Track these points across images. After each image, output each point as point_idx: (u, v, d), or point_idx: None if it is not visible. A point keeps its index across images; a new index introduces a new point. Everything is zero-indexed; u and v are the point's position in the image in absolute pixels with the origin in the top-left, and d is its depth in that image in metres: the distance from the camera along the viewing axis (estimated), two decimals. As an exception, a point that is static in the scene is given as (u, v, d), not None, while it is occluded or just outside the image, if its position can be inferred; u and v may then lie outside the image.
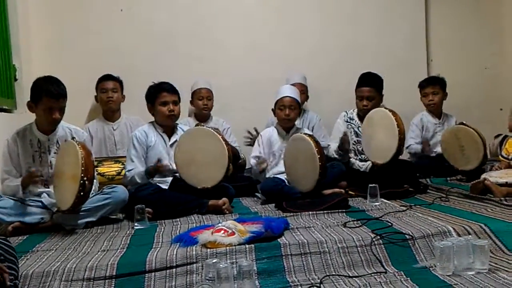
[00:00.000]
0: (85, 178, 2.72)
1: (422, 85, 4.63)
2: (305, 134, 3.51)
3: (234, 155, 3.81)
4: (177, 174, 3.45)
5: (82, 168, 2.72)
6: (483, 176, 3.40)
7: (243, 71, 4.94)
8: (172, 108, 3.53)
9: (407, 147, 4.42)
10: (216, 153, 3.33)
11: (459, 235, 2.40)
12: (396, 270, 2.19)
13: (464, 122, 3.99)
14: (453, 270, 2.10)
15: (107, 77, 4.37)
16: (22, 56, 4.16)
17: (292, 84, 4.29)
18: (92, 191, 3.11)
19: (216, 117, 4.59)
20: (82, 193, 2.74)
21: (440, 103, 4.61)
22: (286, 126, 3.88)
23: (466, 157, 3.90)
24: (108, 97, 4.33)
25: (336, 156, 3.99)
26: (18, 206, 2.97)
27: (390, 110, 3.61)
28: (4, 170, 3.13)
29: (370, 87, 4.00)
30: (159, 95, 3.54)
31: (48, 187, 3.09)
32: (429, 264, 2.23)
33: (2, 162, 3.14)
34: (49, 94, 2.99)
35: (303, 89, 4.56)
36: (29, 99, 3.10)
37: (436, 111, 4.63)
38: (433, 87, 4.56)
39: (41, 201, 3.06)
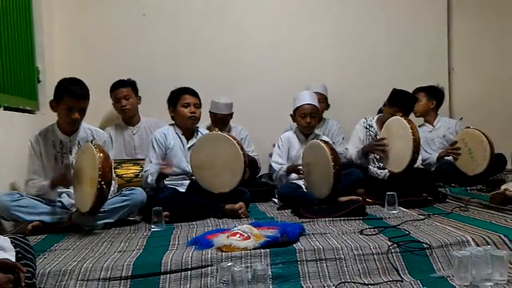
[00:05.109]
0: (102, 183, 2.72)
1: None
2: (321, 140, 3.49)
3: (251, 163, 3.81)
4: (193, 177, 3.47)
5: (99, 172, 2.72)
6: (503, 186, 3.36)
7: (264, 80, 4.95)
8: (194, 110, 3.56)
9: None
10: (231, 158, 3.33)
11: (477, 245, 2.37)
12: (413, 279, 2.17)
13: (470, 126, 3.96)
14: (470, 280, 2.07)
15: (118, 85, 4.30)
16: (46, 59, 4.24)
17: None
18: (110, 193, 3.14)
19: (235, 124, 4.58)
20: (99, 197, 2.75)
21: (425, 110, 4.63)
22: (306, 133, 3.88)
23: (475, 161, 3.85)
24: (121, 106, 4.30)
25: (357, 159, 3.94)
26: (38, 205, 3.00)
27: (406, 119, 3.59)
28: (30, 171, 3.17)
29: (401, 110, 3.78)
30: (181, 97, 3.59)
31: (69, 188, 3.13)
32: (447, 274, 2.20)
33: (27, 163, 3.19)
34: (70, 94, 3.04)
35: (322, 98, 4.51)
36: (52, 99, 3.15)
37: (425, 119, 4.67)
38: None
39: (60, 201, 3.11)
